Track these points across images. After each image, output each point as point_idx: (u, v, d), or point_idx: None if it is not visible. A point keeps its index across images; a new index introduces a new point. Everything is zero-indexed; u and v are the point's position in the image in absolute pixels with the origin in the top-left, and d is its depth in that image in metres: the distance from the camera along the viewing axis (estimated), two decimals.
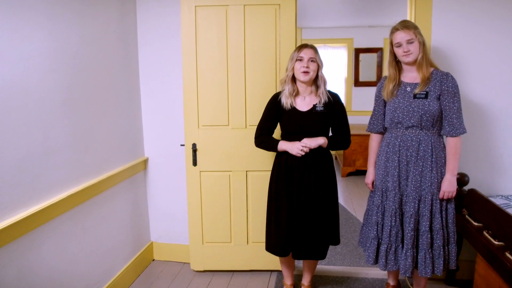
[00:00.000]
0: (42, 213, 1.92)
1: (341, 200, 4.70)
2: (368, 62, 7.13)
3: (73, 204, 2.18)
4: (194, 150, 2.80)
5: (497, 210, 2.31)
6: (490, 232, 2.34)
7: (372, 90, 7.37)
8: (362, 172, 5.77)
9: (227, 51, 2.73)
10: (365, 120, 6.96)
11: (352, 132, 5.93)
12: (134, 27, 2.92)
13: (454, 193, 2.25)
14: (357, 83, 7.23)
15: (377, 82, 7.22)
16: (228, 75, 2.74)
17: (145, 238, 3.15)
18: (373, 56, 7.11)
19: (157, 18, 2.93)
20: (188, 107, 2.77)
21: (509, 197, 2.59)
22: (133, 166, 2.86)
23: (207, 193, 2.87)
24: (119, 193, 2.73)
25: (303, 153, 2.27)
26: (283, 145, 2.34)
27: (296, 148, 2.27)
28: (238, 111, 2.77)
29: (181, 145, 2.89)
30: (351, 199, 4.74)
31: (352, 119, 7.03)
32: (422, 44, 2.21)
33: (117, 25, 2.67)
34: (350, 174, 5.85)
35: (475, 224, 2.49)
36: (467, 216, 2.59)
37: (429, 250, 2.25)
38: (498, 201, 2.52)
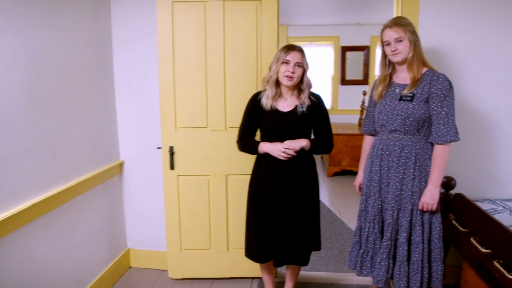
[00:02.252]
0: (2, 224, 1.77)
1: (326, 201, 4.61)
2: (354, 60, 7.07)
3: (39, 213, 2.03)
4: (171, 153, 2.67)
5: (485, 216, 2.23)
6: (477, 238, 2.26)
7: (359, 89, 7.49)
8: (348, 172, 5.70)
9: (206, 49, 2.60)
10: (351, 119, 7.03)
11: (338, 131, 5.96)
12: (108, 25, 2.77)
13: (435, 206, 2.09)
14: (344, 81, 7.16)
15: (364, 80, 7.18)
16: (207, 74, 2.62)
17: (121, 244, 3.01)
18: (360, 54, 7.04)
19: (133, 16, 2.78)
20: (164, 108, 2.64)
21: (497, 201, 2.52)
22: (107, 170, 2.72)
23: (185, 198, 2.75)
24: (93, 198, 2.59)
25: (285, 155, 2.16)
26: (264, 147, 2.23)
27: (277, 149, 2.17)
28: (217, 113, 2.65)
29: (158, 148, 2.75)
30: (337, 201, 4.66)
31: (338, 118, 7.10)
32: (414, 43, 2.08)
33: (89, 23, 2.52)
34: (336, 174, 5.77)
35: (462, 229, 2.41)
36: (453, 221, 2.52)
37: (405, 263, 2.12)
38: (485, 206, 2.45)
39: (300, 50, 2.20)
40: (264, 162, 2.25)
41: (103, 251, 2.73)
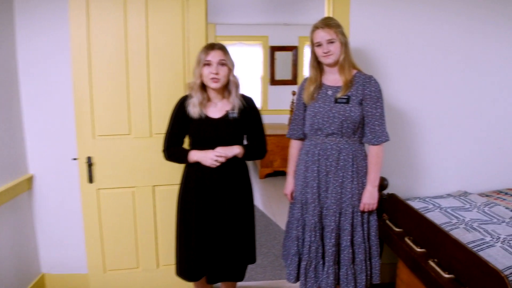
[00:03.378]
0: None
1: (259, 204, 4.52)
2: (283, 60, 7.09)
3: None
4: (90, 165, 2.38)
5: (418, 216, 2.24)
6: (411, 238, 2.27)
7: (288, 89, 7.51)
8: (280, 173, 5.68)
9: (127, 48, 2.34)
10: (281, 119, 7.02)
11: (269, 132, 5.84)
12: (9, 16, 2.39)
13: (376, 205, 2.13)
14: (273, 81, 7.15)
15: (293, 80, 7.22)
16: (129, 76, 2.36)
17: (34, 270, 2.64)
18: (289, 55, 7.07)
19: (41, 7, 2.43)
20: (80, 114, 2.34)
21: (427, 199, 2.57)
22: (13, 187, 2.36)
23: (108, 213, 2.47)
24: None
25: (218, 164, 1.99)
26: (194, 155, 2.04)
27: (209, 158, 1.99)
28: (141, 118, 2.41)
29: (74, 159, 2.44)
30: (270, 203, 4.59)
31: (268, 118, 6.99)
32: (344, 45, 2.04)
33: None
34: (268, 175, 5.72)
35: (396, 229, 2.42)
36: (387, 221, 2.53)
37: (351, 266, 2.11)
38: (417, 205, 2.48)
39: (221, 47, 2.04)
40: (193, 171, 2.07)
41: (11, 279, 2.36)
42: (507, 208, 2.41)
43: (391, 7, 2.56)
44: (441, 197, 2.65)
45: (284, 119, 6.76)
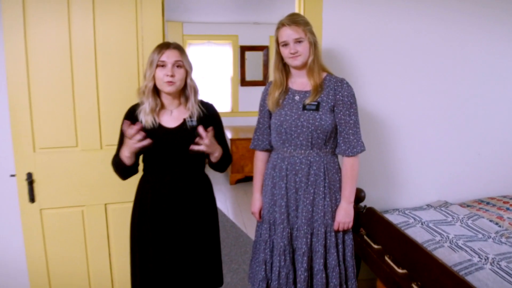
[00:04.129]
0: None
1: (229, 214, 4.28)
2: (254, 60, 6.85)
3: None
4: (30, 182, 2.07)
5: (399, 234, 2.06)
6: (391, 257, 2.09)
7: (259, 90, 7.23)
8: (251, 178, 5.44)
9: (72, 50, 2.05)
10: (252, 121, 6.73)
11: (240, 135, 5.67)
12: None
13: (351, 224, 1.90)
14: (244, 82, 6.90)
15: (264, 81, 6.99)
16: (74, 80, 2.07)
17: None
18: (259, 55, 6.84)
19: None
20: (16, 124, 2.02)
21: (406, 212, 2.40)
22: None
23: (53, 236, 2.17)
24: None
25: (137, 142, 1.63)
26: (122, 151, 1.72)
27: (130, 142, 1.63)
28: (90, 128, 2.12)
29: (11, 175, 2.13)
30: (241, 212, 4.35)
31: (239, 121, 6.81)
32: (314, 45, 1.81)
33: None
34: (239, 181, 5.48)
35: (375, 246, 2.24)
36: (365, 237, 2.34)
37: None
38: (396, 219, 2.30)
39: (177, 47, 1.77)
40: (148, 187, 1.81)
41: None
42: (491, 221, 2.27)
43: (368, 4, 2.37)
44: (421, 208, 2.49)
45: (256, 121, 6.54)
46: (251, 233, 3.74)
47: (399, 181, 2.64)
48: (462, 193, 2.72)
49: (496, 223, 2.23)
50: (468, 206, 2.55)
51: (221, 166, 1.90)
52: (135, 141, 1.61)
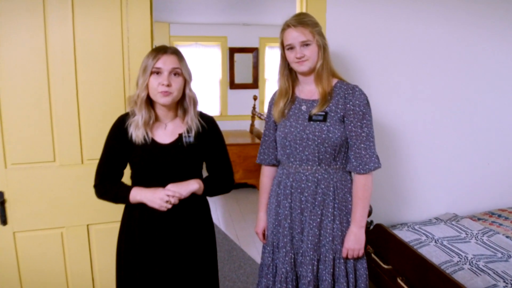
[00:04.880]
0: None
1: (221, 225, 4.06)
2: (243, 62, 6.67)
3: None
4: (1, 202, 1.83)
5: (413, 254, 1.89)
6: (404, 279, 1.92)
7: (249, 93, 7.08)
8: (242, 186, 5.25)
9: (48, 54, 1.81)
10: (242, 125, 6.57)
11: (230, 140, 5.43)
12: None
13: (362, 251, 1.66)
14: (233, 85, 6.71)
15: (254, 84, 6.80)
16: (51, 87, 1.84)
17: None
18: (249, 57, 6.66)
19: None
20: None
21: (416, 227, 2.23)
22: None
23: (29, 262, 1.92)
24: None
25: (170, 206, 1.51)
26: (139, 195, 1.54)
27: (159, 199, 1.49)
28: (70, 141, 1.89)
29: None
30: (233, 223, 4.14)
31: (228, 125, 6.59)
32: (323, 48, 1.61)
33: None
34: None
35: (385, 266, 2.07)
36: (373, 255, 2.16)
37: None
38: (407, 235, 2.13)
39: (174, 52, 1.55)
40: (137, 212, 1.58)
41: None
42: (507, 237, 2.11)
43: (376, 3, 2.19)
44: (430, 223, 2.32)
45: (246, 125, 6.35)
46: (244, 246, 3.54)
47: (405, 193, 2.47)
48: (471, 205, 2.57)
49: None
50: (479, 219, 2.39)
51: (214, 192, 1.67)
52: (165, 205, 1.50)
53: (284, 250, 1.68)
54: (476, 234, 2.14)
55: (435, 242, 2.04)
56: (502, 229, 2.22)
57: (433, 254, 1.93)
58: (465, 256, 1.88)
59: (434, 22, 2.31)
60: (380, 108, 2.30)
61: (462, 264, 1.81)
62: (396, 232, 2.17)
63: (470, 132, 2.50)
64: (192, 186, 1.56)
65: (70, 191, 1.92)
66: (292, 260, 1.69)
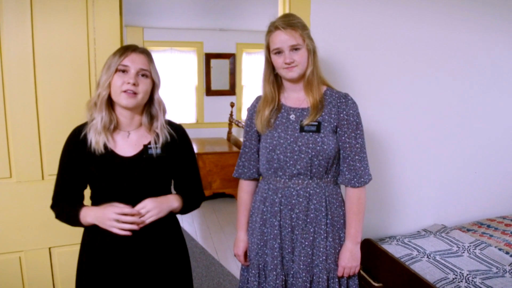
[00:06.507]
0: None
1: (198, 237, 3.87)
2: (220, 69, 6.52)
3: None
4: None
5: (406, 272, 1.78)
6: None
7: (226, 100, 6.92)
8: (220, 195, 5.09)
9: (2, 58, 1.62)
10: (219, 132, 6.40)
11: (207, 149, 5.26)
12: None
13: (358, 268, 1.56)
14: (209, 92, 6.55)
15: (231, 91, 6.66)
16: (6, 95, 1.64)
17: None
18: (226, 63, 6.52)
19: None
20: None
21: (405, 240, 2.12)
22: None
23: None
24: None
25: (127, 230, 1.30)
26: (88, 216, 1.33)
27: (107, 218, 1.29)
28: (28, 154, 1.69)
29: None
30: (211, 235, 3.95)
31: (205, 132, 6.42)
32: (313, 53, 1.48)
33: None
34: (206, 198, 5.08)
35: (375, 284, 1.95)
36: (362, 272, 2.04)
37: None
38: (397, 250, 2.02)
39: (145, 52, 1.38)
40: (98, 234, 1.37)
41: None
42: (500, 249, 2.03)
43: (364, 3, 2.08)
44: (419, 235, 2.22)
45: (223, 133, 6.20)
46: (223, 260, 3.36)
47: (391, 204, 2.36)
48: (458, 215, 2.49)
49: (507, 252, 1.99)
50: (468, 230, 2.31)
51: (188, 210, 1.51)
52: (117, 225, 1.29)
53: (274, 272, 1.53)
54: (468, 247, 2.04)
55: (427, 257, 1.94)
56: (494, 240, 2.14)
57: (426, 270, 1.81)
58: (460, 272, 1.78)
59: (423, 22, 2.22)
60: (366, 117, 2.18)
61: (458, 282, 1.71)
62: (386, 246, 2.06)
63: (456, 141, 2.42)
64: (173, 203, 1.39)
65: (29, 211, 1.72)
66: (283, 283, 1.54)
